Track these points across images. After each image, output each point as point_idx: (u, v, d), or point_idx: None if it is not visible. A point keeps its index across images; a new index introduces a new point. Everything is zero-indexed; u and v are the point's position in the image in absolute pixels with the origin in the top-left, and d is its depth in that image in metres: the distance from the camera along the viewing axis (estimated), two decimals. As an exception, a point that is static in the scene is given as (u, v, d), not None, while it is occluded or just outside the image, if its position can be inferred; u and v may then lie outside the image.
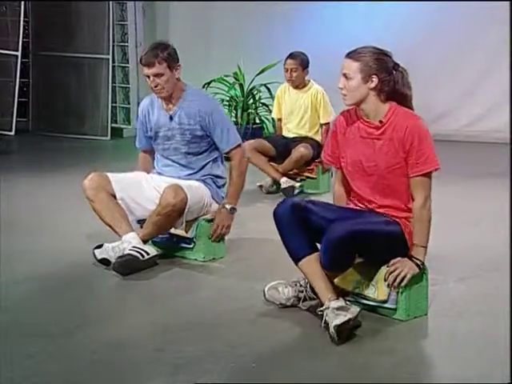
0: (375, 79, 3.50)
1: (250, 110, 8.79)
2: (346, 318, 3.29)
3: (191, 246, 4.59)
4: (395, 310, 3.56)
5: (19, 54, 9.91)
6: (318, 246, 3.52)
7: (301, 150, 6.49)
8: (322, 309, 3.42)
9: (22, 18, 9.86)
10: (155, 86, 4.48)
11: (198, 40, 10.37)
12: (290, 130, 6.80)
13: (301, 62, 6.61)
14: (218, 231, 4.56)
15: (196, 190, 4.50)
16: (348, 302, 3.46)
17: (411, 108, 3.60)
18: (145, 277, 4.28)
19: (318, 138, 6.67)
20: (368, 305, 3.59)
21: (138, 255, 4.33)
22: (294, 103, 6.72)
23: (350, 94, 3.54)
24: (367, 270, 3.61)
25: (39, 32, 10.68)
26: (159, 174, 4.70)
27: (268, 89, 8.75)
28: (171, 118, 4.59)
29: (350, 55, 3.54)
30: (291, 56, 6.65)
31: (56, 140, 10.11)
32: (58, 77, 10.59)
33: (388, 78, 3.52)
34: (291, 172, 6.63)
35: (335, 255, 3.41)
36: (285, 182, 6.51)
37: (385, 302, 3.56)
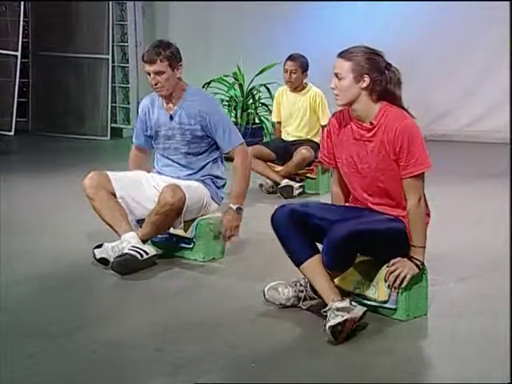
0: (367, 79, 3.47)
1: (249, 110, 8.78)
2: (341, 319, 3.27)
3: (191, 245, 4.59)
4: (395, 310, 3.56)
5: (19, 54, 9.90)
6: (319, 246, 3.52)
7: (303, 152, 6.47)
8: (325, 309, 3.42)
9: (21, 18, 9.85)
10: (155, 84, 4.47)
11: (197, 40, 10.35)
12: (289, 133, 6.80)
13: (300, 64, 6.61)
14: (227, 233, 4.53)
15: (195, 190, 4.49)
16: (354, 303, 3.44)
17: (402, 107, 3.56)
18: (144, 277, 4.28)
19: (318, 139, 6.65)
20: (368, 305, 3.58)
21: (137, 255, 4.33)
22: (292, 106, 6.72)
23: (342, 94, 3.51)
24: (368, 270, 3.61)
25: (39, 32, 10.69)
26: (159, 173, 4.70)
27: (268, 89, 8.75)
28: (171, 118, 4.58)
29: (342, 55, 3.52)
30: (291, 58, 6.65)
31: (56, 140, 10.11)
32: (58, 77, 10.60)
33: (380, 77, 3.49)
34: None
35: (338, 255, 3.41)
36: (284, 181, 6.49)
37: (385, 302, 3.56)
